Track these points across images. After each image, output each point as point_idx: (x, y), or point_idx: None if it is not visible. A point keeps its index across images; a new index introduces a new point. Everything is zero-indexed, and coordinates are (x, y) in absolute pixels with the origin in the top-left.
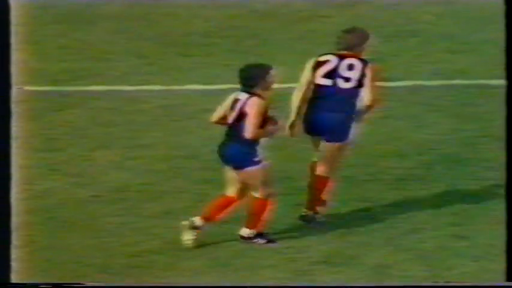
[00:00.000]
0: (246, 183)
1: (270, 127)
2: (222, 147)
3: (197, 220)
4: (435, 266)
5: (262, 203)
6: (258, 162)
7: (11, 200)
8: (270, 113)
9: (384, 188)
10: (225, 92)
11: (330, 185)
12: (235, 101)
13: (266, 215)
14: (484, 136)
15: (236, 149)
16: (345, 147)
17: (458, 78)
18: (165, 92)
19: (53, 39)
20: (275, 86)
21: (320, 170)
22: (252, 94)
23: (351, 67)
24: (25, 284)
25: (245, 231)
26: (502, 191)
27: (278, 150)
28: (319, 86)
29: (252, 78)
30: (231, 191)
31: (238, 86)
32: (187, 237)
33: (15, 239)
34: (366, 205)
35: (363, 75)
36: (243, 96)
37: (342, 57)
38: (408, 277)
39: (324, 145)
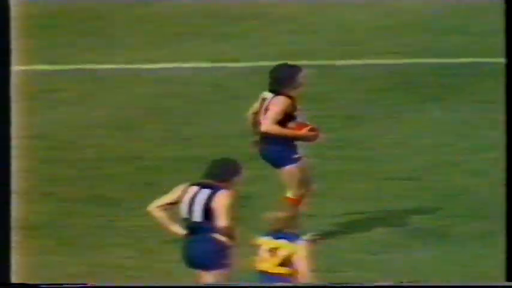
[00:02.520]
0: (284, 181)
1: (298, 129)
2: (260, 149)
3: None
4: None
5: (296, 203)
6: (296, 160)
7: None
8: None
9: None
10: (72, 73)
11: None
12: (263, 100)
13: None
14: (330, 116)
15: (273, 149)
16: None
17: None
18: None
19: None
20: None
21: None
22: (278, 93)
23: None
24: (25, 284)
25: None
26: None
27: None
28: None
29: (282, 78)
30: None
31: (87, 66)
32: None
33: None
34: None
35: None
36: (269, 95)
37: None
38: None
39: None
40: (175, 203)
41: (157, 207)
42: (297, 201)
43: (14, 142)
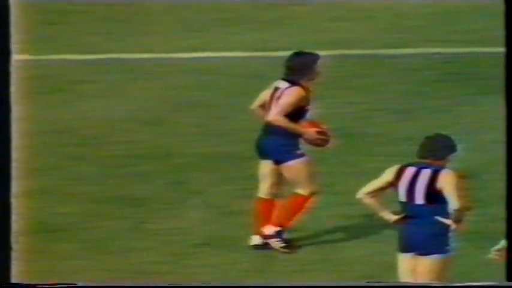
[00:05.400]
0: (288, 178)
1: (308, 127)
2: (259, 141)
3: (255, 239)
4: None
5: (304, 200)
6: (300, 155)
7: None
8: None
9: None
10: (104, 62)
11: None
12: (275, 89)
13: (300, 213)
14: (378, 109)
15: (276, 142)
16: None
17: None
18: (34, 62)
19: None
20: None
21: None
22: (293, 83)
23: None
24: (19, 284)
25: (268, 229)
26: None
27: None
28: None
29: (298, 67)
30: (264, 191)
31: (116, 55)
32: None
33: None
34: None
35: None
36: (283, 84)
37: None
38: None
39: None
40: (386, 187)
41: (367, 193)
42: (309, 198)
43: (40, 137)
